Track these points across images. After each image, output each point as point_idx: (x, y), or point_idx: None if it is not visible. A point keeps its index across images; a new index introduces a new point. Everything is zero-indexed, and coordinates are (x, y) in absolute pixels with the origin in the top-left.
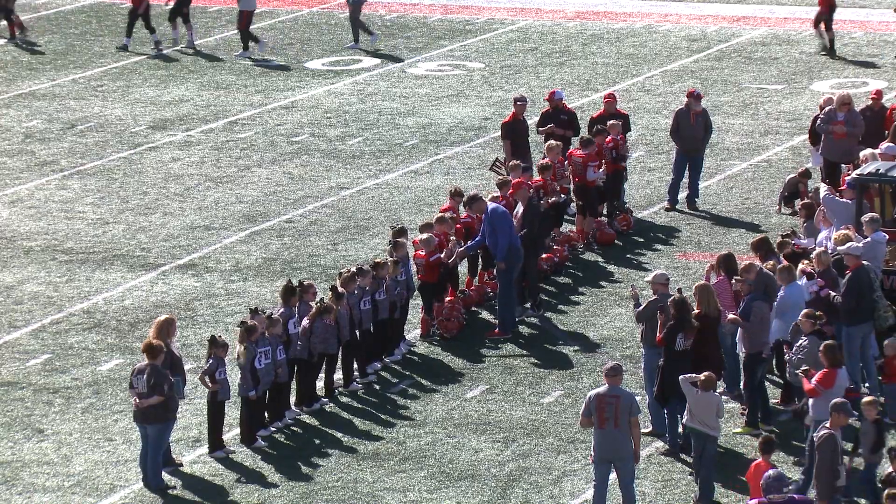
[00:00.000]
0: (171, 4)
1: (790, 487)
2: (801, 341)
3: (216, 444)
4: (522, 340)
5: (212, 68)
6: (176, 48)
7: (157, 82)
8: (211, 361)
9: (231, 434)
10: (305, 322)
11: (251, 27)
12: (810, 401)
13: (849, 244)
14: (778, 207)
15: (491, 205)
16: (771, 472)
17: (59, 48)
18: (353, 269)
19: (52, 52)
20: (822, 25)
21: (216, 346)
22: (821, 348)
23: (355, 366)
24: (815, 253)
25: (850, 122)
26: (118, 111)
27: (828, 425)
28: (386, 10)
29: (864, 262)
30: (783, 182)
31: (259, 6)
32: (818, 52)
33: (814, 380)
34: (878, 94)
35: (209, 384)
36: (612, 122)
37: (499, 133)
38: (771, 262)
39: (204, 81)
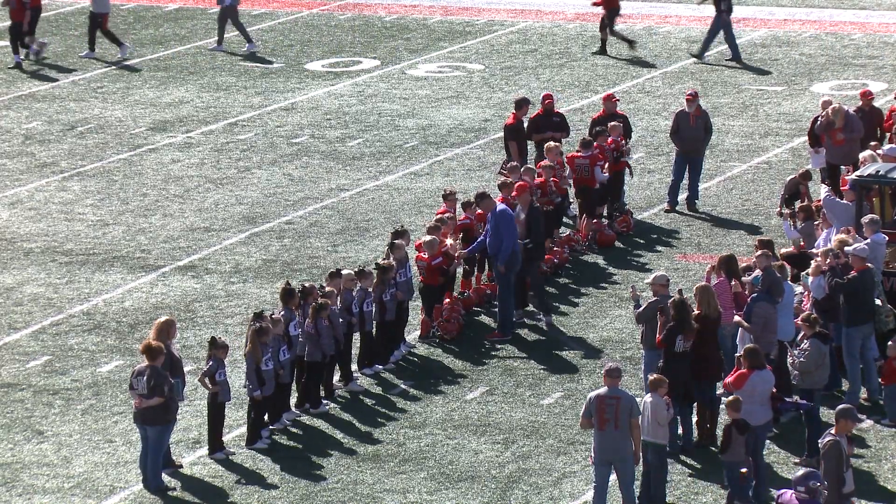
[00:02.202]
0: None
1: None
2: (802, 344)
3: (216, 445)
4: (522, 342)
5: (211, 70)
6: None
7: (157, 84)
8: (211, 363)
9: (232, 435)
10: (309, 325)
11: (101, 29)
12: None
13: (855, 245)
14: (778, 209)
15: (500, 206)
16: (802, 470)
17: (59, 50)
18: (339, 268)
19: (52, 54)
20: (607, 28)
21: (216, 348)
22: (741, 351)
23: (354, 367)
24: (820, 251)
25: (849, 127)
26: (118, 113)
27: (833, 432)
28: (386, 11)
29: (869, 265)
30: (783, 184)
31: (259, 7)
32: (596, 52)
33: (727, 378)
34: (869, 94)
35: (209, 386)
36: (613, 123)
37: (498, 134)
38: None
39: (204, 83)
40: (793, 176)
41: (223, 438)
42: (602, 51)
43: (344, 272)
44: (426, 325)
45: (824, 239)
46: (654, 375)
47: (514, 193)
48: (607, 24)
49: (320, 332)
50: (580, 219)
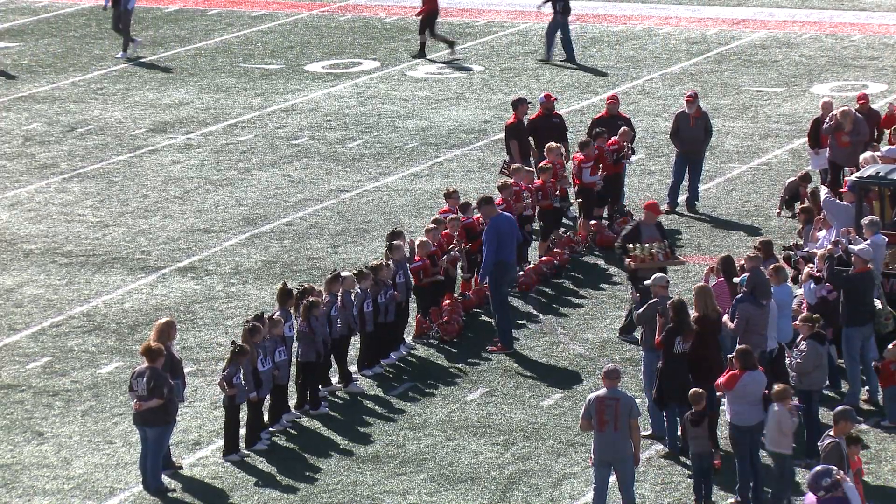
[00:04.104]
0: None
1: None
2: (800, 345)
3: (231, 447)
4: (522, 344)
5: (211, 71)
6: None
7: (157, 85)
8: (230, 367)
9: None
10: (303, 325)
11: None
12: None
13: (859, 246)
14: (778, 210)
15: (504, 214)
16: (812, 471)
17: (59, 51)
18: (338, 272)
19: (51, 55)
20: (427, 31)
21: (242, 355)
22: (734, 352)
23: (353, 368)
24: (818, 254)
25: (855, 130)
26: (118, 114)
27: (832, 433)
28: (386, 12)
29: (870, 266)
30: (783, 185)
31: (259, 9)
32: (450, 53)
33: (719, 378)
34: (865, 97)
35: (226, 389)
36: (624, 129)
37: (498, 136)
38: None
39: (204, 84)
40: (792, 178)
41: (220, 440)
42: (421, 54)
43: (343, 274)
44: (420, 324)
45: (825, 239)
46: (779, 386)
47: (646, 207)
48: (426, 26)
49: (314, 331)
50: (579, 220)
